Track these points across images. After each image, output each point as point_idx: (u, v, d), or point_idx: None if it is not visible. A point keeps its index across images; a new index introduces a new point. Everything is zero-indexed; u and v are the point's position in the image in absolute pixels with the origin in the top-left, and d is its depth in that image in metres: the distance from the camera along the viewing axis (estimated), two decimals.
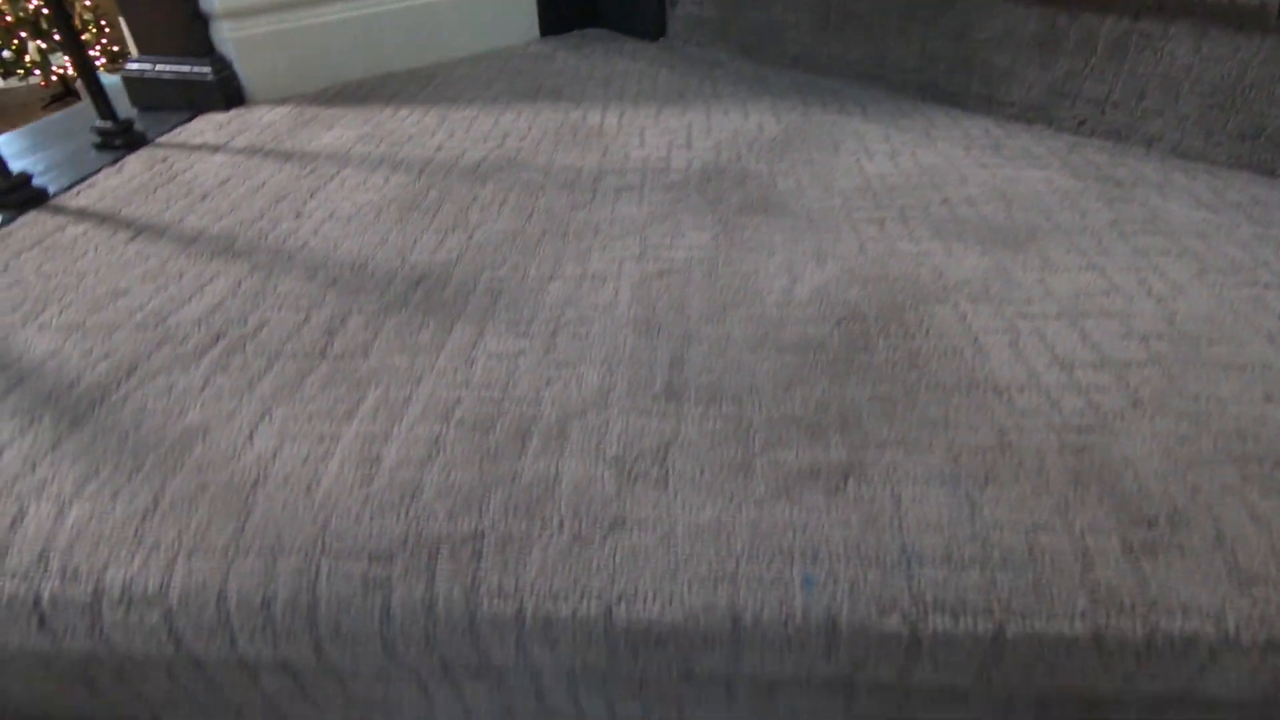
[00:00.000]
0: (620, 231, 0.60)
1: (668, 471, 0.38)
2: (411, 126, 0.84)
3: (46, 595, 0.35)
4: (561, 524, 0.35)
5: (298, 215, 0.65)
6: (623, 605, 0.33)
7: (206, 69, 0.88)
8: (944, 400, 0.42)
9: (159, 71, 0.89)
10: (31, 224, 0.65)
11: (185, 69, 0.89)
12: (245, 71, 0.92)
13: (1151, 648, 0.32)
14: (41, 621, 0.36)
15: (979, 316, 0.48)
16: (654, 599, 0.33)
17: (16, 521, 0.37)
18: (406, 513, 0.36)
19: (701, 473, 0.38)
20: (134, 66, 0.90)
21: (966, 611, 0.32)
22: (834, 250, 0.56)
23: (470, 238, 0.60)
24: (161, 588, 0.35)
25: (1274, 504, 0.35)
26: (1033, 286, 0.51)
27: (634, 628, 0.33)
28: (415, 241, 0.60)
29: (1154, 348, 0.45)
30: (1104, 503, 0.35)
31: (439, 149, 0.77)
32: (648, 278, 0.54)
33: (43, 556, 0.36)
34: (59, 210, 0.67)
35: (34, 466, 0.39)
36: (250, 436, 0.41)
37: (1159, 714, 0.37)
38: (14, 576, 0.35)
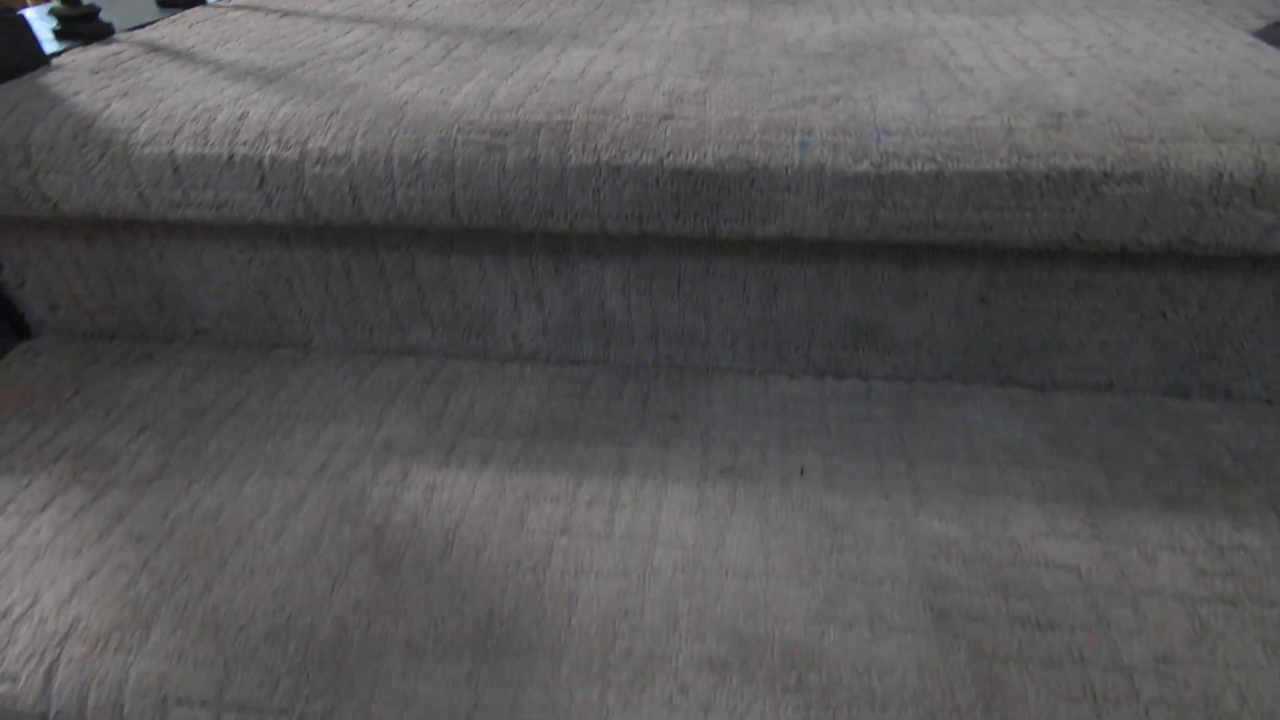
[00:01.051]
0: (673, 9, 0.74)
1: (705, 99, 0.51)
2: None
3: (267, 158, 0.50)
4: (627, 117, 0.49)
5: (410, 6, 0.79)
6: (670, 156, 0.47)
7: None
8: (919, 74, 0.54)
9: None
10: (200, 11, 0.81)
11: None
12: None
13: (1050, 180, 0.44)
14: (262, 180, 0.51)
15: (958, 42, 0.60)
16: (693, 154, 0.47)
17: (244, 115, 0.52)
18: (515, 112, 0.50)
19: (730, 99, 0.51)
20: None
21: (917, 159, 0.45)
22: (848, 17, 0.69)
23: (550, 15, 0.74)
24: (347, 152, 0.49)
25: (1159, 109, 0.47)
26: (1007, 32, 0.63)
27: (679, 171, 0.47)
28: (506, 17, 0.74)
29: (1095, 53, 0.57)
30: (1029, 108, 0.47)
31: None
32: (695, 29, 0.67)
33: (263, 134, 0.50)
34: (217, 7, 0.83)
35: (250, 94, 0.54)
36: (396, 86, 0.55)
37: (1075, 290, 0.49)
38: (244, 144, 0.50)
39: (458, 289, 0.58)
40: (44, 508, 0.49)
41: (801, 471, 0.50)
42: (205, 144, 0.51)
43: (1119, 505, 0.47)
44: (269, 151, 0.50)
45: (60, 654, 0.41)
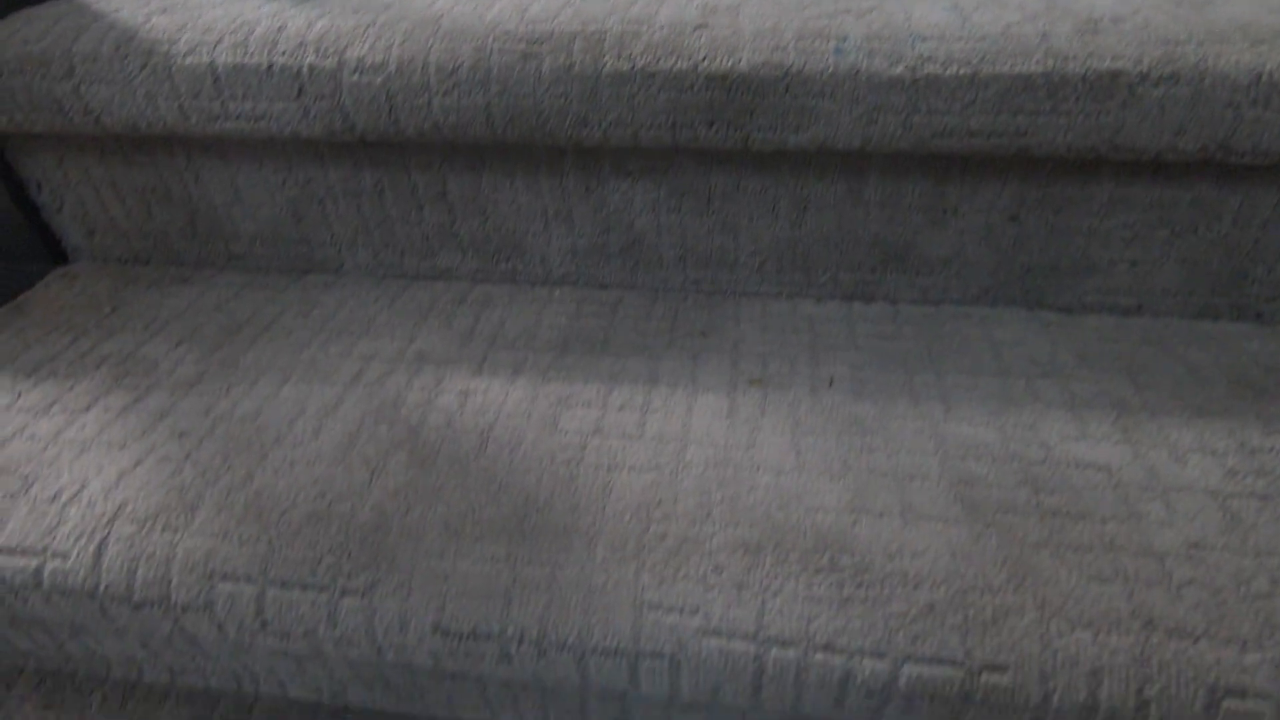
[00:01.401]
0: None
1: (739, 11, 0.51)
2: None
3: (305, 67, 0.51)
4: (661, 26, 0.49)
5: None
6: (705, 62, 0.47)
7: None
8: None
9: None
10: None
11: None
12: None
13: (1086, 82, 0.44)
14: (300, 90, 0.51)
15: None
16: (727, 59, 0.47)
17: (282, 27, 0.52)
18: (550, 22, 0.50)
19: (764, 11, 0.51)
20: None
21: (952, 63, 0.45)
22: None
23: None
24: (384, 61, 0.50)
25: (1196, 15, 0.46)
26: None
27: (713, 76, 0.47)
28: None
29: None
30: (1064, 16, 0.47)
31: None
32: None
33: (301, 44, 0.51)
34: None
35: (287, 9, 0.55)
36: (431, 4, 0.56)
37: (1107, 206, 0.50)
38: (283, 54, 0.51)
39: (489, 210, 0.59)
40: (88, 408, 0.50)
41: (831, 381, 0.50)
42: (245, 54, 0.51)
43: (1149, 413, 0.47)
44: (307, 61, 0.51)
45: (109, 533, 0.42)
